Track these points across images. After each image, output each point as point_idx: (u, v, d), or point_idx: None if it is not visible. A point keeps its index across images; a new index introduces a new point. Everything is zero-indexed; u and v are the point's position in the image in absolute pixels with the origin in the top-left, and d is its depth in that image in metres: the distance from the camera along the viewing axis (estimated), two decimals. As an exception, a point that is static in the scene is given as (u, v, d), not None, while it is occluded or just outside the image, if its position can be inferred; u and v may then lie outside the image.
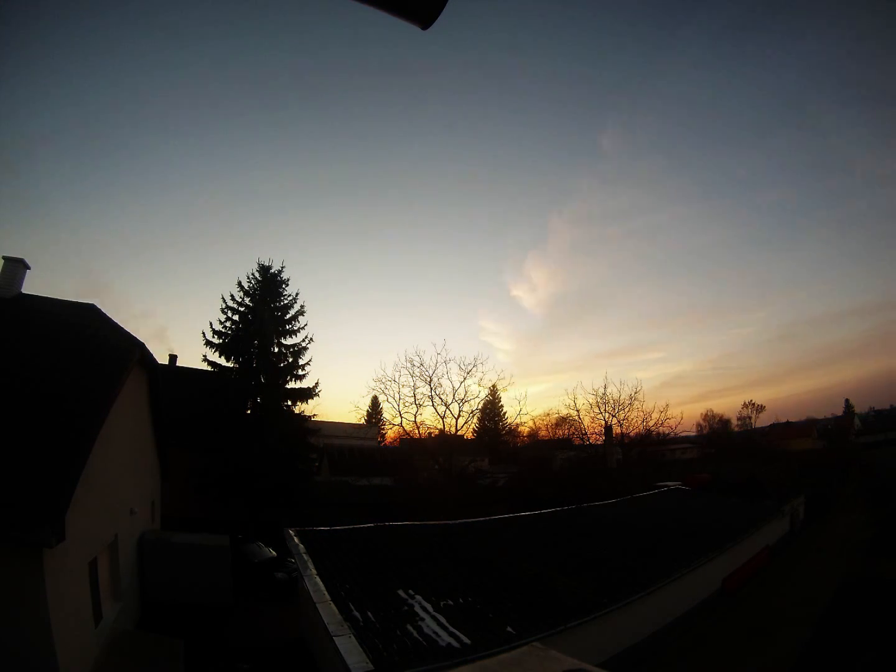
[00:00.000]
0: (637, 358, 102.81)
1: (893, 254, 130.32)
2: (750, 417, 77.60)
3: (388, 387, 30.15)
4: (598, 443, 38.11)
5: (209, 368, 24.80)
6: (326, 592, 9.02)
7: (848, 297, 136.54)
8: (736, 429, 75.87)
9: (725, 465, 40.02)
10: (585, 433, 38.11)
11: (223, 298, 25.14)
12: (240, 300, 25.25)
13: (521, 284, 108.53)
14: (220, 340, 24.70)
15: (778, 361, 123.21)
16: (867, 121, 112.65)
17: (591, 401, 37.19)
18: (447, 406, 29.73)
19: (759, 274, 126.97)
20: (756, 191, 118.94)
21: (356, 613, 8.45)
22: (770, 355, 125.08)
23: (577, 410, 37.02)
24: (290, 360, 25.47)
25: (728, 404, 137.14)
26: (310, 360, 25.87)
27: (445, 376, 46.97)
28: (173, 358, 32.29)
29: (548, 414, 43.42)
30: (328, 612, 8.24)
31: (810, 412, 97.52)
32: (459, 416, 30.00)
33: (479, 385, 30.77)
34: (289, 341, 25.72)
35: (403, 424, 30.28)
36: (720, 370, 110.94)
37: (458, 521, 15.31)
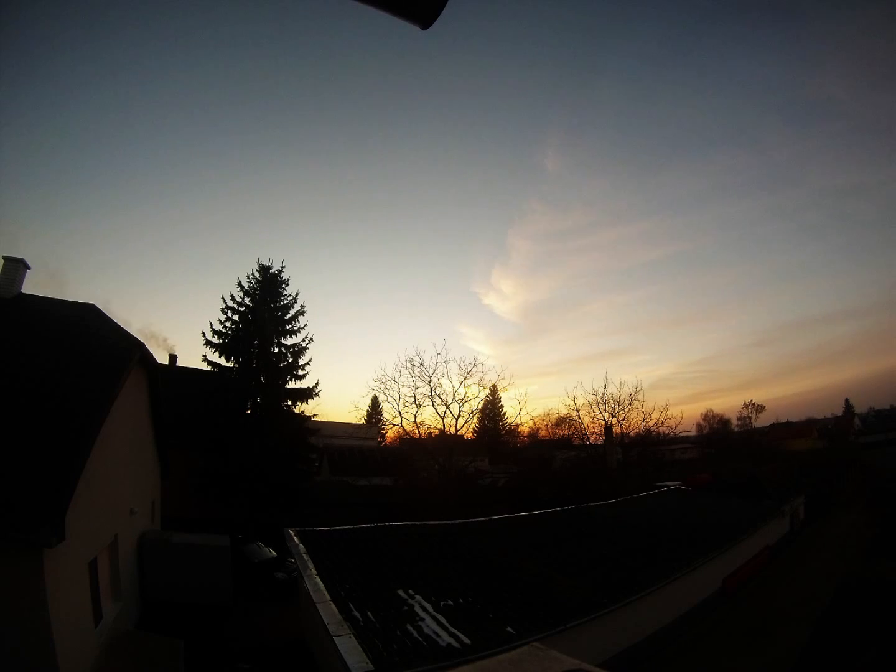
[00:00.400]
0: (618, 361, 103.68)
1: (879, 253, 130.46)
2: (750, 417, 77.73)
3: (388, 387, 30.13)
4: (598, 443, 38.09)
5: (209, 368, 24.81)
6: (326, 592, 9.02)
7: (847, 297, 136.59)
8: (736, 429, 75.98)
9: (725, 465, 40.01)
10: (585, 433, 38.11)
11: (223, 298, 25.16)
12: (240, 300, 25.25)
13: (491, 294, 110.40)
14: (220, 340, 24.70)
15: (759, 365, 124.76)
16: (808, 137, 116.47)
17: (591, 401, 37.20)
18: (447, 406, 29.74)
19: (739, 277, 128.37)
20: (713, 203, 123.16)
21: (356, 613, 8.45)
22: (750, 358, 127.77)
23: (577, 410, 37.04)
24: (290, 360, 25.47)
25: (728, 404, 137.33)
26: (310, 360, 25.89)
27: (445, 376, 46.96)
28: (173, 358, 32.32)
29: (548, 414, 43.46)
30: (328, 612, 8.24)
31: (810, 412, 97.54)
32: (459, 416, 30.00)
33: (479, 385, 30.73)
34: (289, 341, 25.74)
35: (403, 424, 30.28)
36: (705, 372, 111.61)
37: (457, 521, 15.32)
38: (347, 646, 7.11)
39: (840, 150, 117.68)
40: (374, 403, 42.50)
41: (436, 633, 8.11)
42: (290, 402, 25.35)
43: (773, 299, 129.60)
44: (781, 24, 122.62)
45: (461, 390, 29.79)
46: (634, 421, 36.07)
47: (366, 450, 39.63)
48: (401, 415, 29.82)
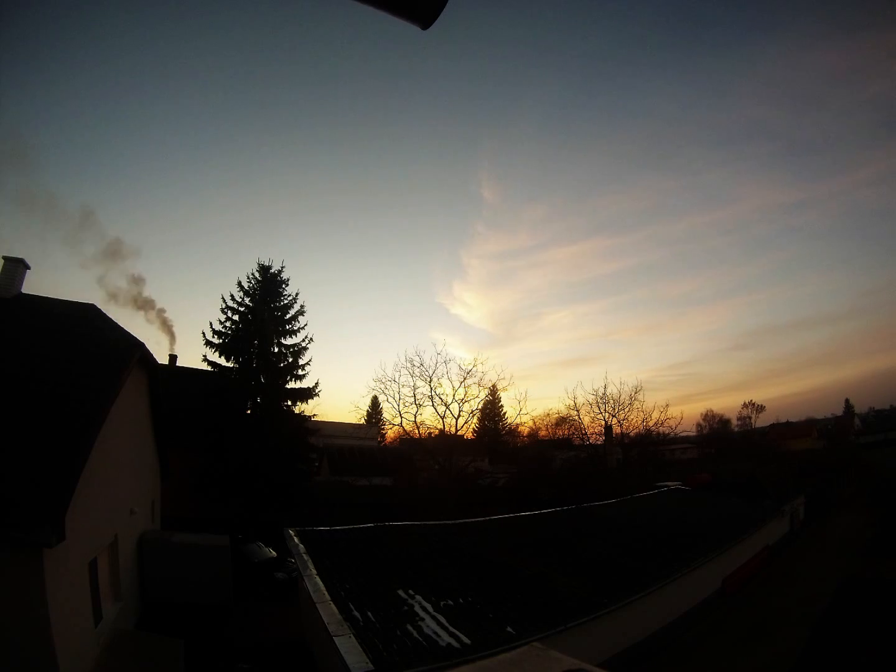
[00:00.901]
0: (592, 367, 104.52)
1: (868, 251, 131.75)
2: (750, 417, 77.84)
3: (388, 387, 30.10)
4: (598, 443, 38.09)
5: (209, 368, 24.82)
6: (326, 592, 9.02)
7: (845, 297, 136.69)
8: (736, 429, 76.04)
9: (725, 465, 40.00)
10: (585, 433, 38.09)
11: (223, 298, 25.17)
12: (240, 300, 25.26)
13: (457, 305, 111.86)
14: (221, 340, 24.71)
15: (743, 367, 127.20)
16: (740, 159, 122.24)
17: (591, 400, 37.18)
18: (447, 406, 29.73)
19: (704, 285, 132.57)
20: (655, 221, 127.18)
21: (356, 613, 8.45)
22: (732, 361, 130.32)
23: (577, 410, 37.03)
24: (290, 360, 25.49)
25: (728, 404, 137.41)
26: (310, 360, 25.91)
27: (445, 376, 46.94)
28: (173, 358, 32.34)
29: (547, 414, 43.42)
30: (328, 612, 8.24)
31: (810, 412, 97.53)
32: (459, 416, 29.99)
33: (479, 385, 30.71)
34: (289, 341, 25.75)
35: (403, 424, 30.26)
36: (684, 376, 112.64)
37: (457, 521, 15.32)
38: (347, 646, 7.11)
39: (778, 168, 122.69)
40: (374, 403, 42.51)
41: (436, 633, 8.11)
42: (290, 402, 25.36)
43: (747, 305, 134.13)
44: (702, 56, 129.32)
45: (461, 390, 29.81)
46: (634, 421, 36.06)
47: (366, 450, 39.62)
48: (401, 415, 29.83)
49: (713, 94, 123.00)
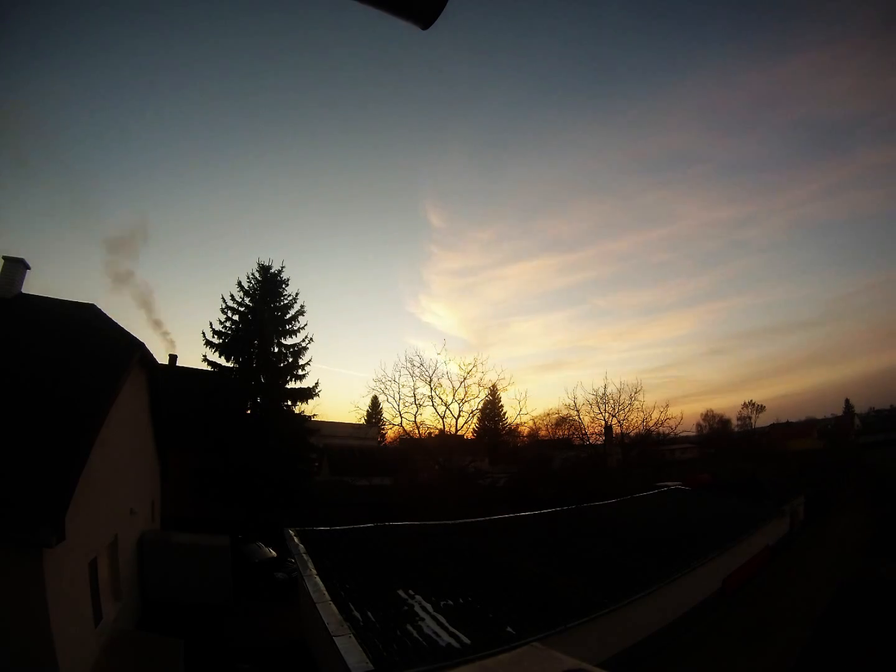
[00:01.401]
0: (568, 371, 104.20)
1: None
2: (750, 417, 77.76)
3: (388, 387, 30.07)
4: (598, 443, 38.10)
5: (209, 368, 24.82)
6: (326, 592, 9.02)
7: (845, 297, 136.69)
8: (736, 429, 76.01)
9: (725, 465, 40.02)
10: (585, 433, 38.12)
11: (223, 298, 25.19)
12: (240, 300, 25.27)
13: (426, 314, 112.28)
14: (221, 340, 24.72)
15: (719, 371, 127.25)
16: (673, 181, 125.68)
17: (591, 400, 37.19)
18: (447, 406, 29.73)
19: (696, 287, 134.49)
20: (601, 239, 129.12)
21: (356, 613, 8.45)
22: (710, 365, 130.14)
23: (577, 410, 37.04)
24: (290, 360, 25.50)
25: (728, 404, 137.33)
26: (310, 360, 25.93)
27: (445, 376, 46.82)
28: (173, 358, 32.32)
29: (548, 414, 43.41)
30: (328, 612, 8.24)
31: (810, 412, 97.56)
32: (459, 416, 29.99)
33: (479, 385, 30.70)
34: (289, 341, 25.77)
35: (403, 424, 30.26)
36: (667, 379, 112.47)
37: (457, 521, 15.32)
38: (347, 646, 7.11)
39: (714, 188, 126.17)
40: (374, 403, 42.52)
41: (436, 633, 8.11)
42: (290, 402, 25.37)
43: (723, 310, 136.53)
44: (626, 86, 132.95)
45: (461, 390, 29.80)
46: (634, 421, 36.09)
47: (366, 450, 39.60)
48: (401, 415, 29.82)
49: (640, 123, 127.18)
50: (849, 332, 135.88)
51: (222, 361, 24.68)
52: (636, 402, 35.66)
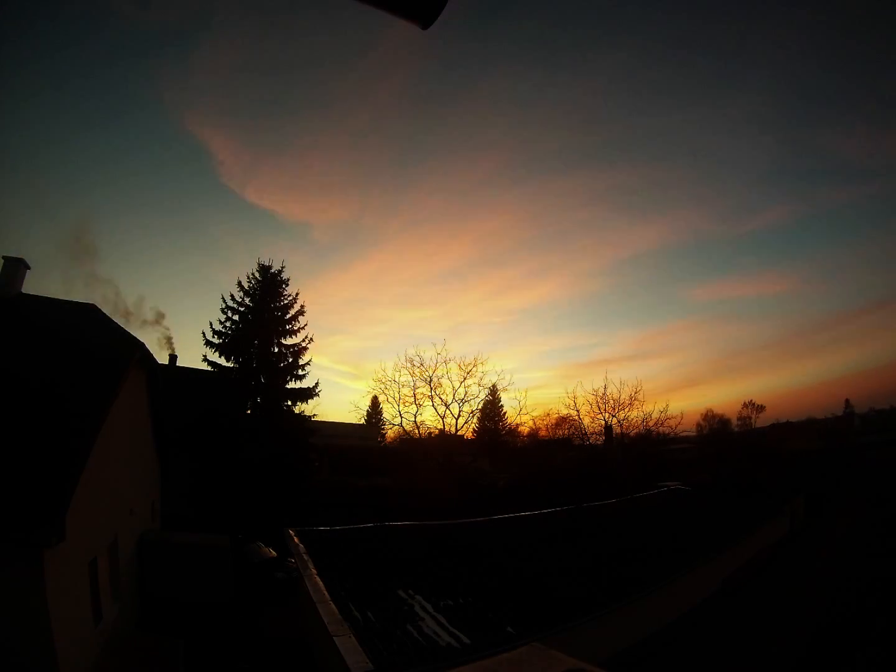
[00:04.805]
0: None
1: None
2: (750, 417, 77.65)
3: (388, 387, 30.04)
4: (598, 443, 38.07)
5: (209, 368, 24.82)
6: (326, 592, 9.01)
7: (843, 297, 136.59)
8: (736, 429, 75.94)
9: (725, 465, 40.01)
10: (585, 433, 38.06)
11: (223, 298, 25.21)
12: (240, 300, 25.28)
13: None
14: (221, 340, 24.73)
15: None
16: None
17: (591, 400, 37.14)
18: (447, 406, 29.72)
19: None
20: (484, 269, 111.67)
21: (356, 613, 8.45)
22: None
23: (577, 410, 36.99)
24: (290, 360, 25.50)
25: (728, 404, 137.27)
26: (310, 361, 25.93)
27: (445, 376, 46.83)
28: (173, 358, 32.31)
29: (548, 414, 43.38)
30: (328, 612, 8.23)
31: (810, 412, 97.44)
32: (459, 416, 29.99)
33: (479, 385, 30.67)
34: (289, 341, 25.78)
35: (403, 424, 30.27)
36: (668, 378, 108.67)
37: (457, 522, 15.32)
38: (347, 646, 7.11)
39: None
40: (374, 403, 42.51)
41: (436, 633, 8.11)
42: (290, 403, 25.37)
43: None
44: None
45: (461, 390, 29.80)
46: (635, 421, 36.02)
47: (366, 450, 39.61)
48: (401, 415, 29.83)
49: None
50: (850, 332, 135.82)
51: (222, 361, 24.69)
52: (636, 402, 35.64)
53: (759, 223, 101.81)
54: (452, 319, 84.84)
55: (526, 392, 45.21)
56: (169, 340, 35.48)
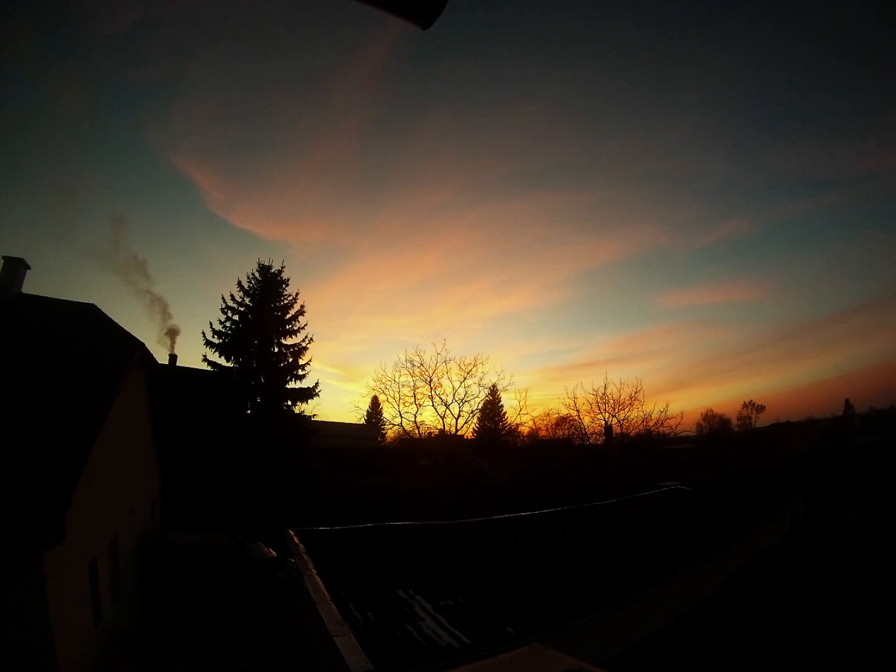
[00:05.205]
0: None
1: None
2: (750, 417, 77.73)
3: (388, 387, 30.09)
4: (598, 443, 38.08)
5: (209, 368, 24.83)
6: (326, 592, 9.01)
7: (845, 295, 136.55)
8: (736, 429, 75.96)
9: (725, 465, 40.02)
10: (585, 433, 38.10)
11: (223, 298, 25.22)
12: (240, 300, 25.29)
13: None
14: (221, 340, 24.74)
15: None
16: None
17: (591, 400, 37.17)
18: (447, 406, 29.77)
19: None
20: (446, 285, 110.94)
21: (356, 613, 8.45)
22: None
23: (577, 410, 37.01)
24: (290, 360, 25.51)
25: (728, 404, 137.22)
26: (310, 361, 25.94)
27: (445, 376, 46.83)
28: (173, 358, 32.33)
29: (548, 414, 43.39)
30: (328, 612, 8.23)
31: (810, 412, 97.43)
32: (459, 416, 30.04)
33: (479, 385, 30.70)
34: (289, 341, 25.79)
35: (403, 424, 30.32)
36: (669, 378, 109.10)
37: (457, 522, 15.32)
38: (347, 646, 7.10)
39: None
40: (374, 403, 42.55)
41: (436, 633, 8.11)
42: (290, 403, 25.39)
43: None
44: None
45: (461, 390, 29.81)
46: (634, 421, 36.07)
47: (366, 450, 39.61)
48: (401, 415, 29.89)
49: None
50: (849, 332, 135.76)
51: (222, 361, 24.70)
52: (636, 402, 35.66)
53: (718, 236, 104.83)
54: (432, 326, 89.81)
55: (526, 392, 45.29)
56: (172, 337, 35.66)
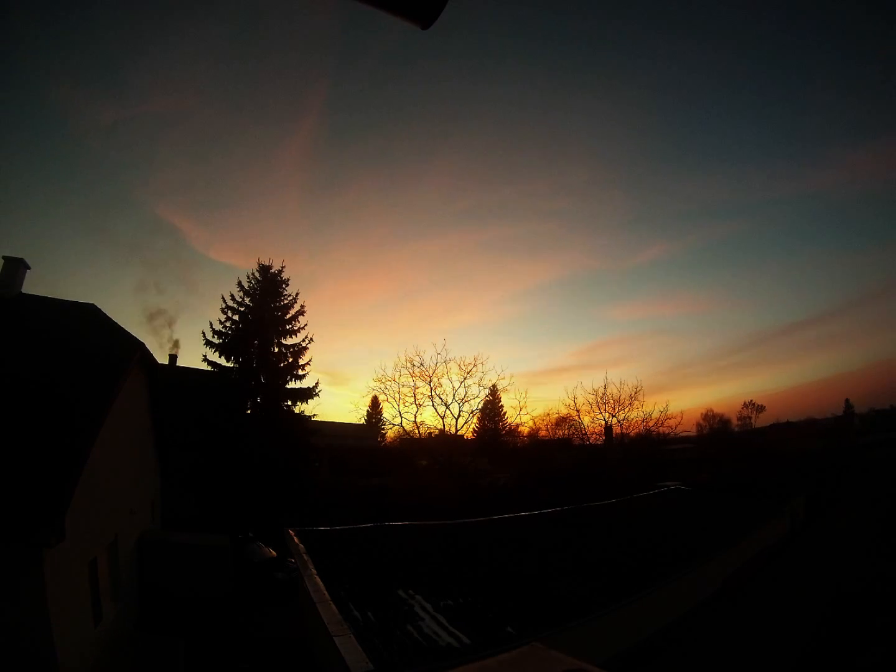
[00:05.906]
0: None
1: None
2: (750, 417, 77.81)
3: (388, 387, 30.06)
4: (599, 443, 38.09)
5: (209, 368, 24.82)
6: (326, 592, 9.01)
7: (845, 295, 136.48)
8: (736, 429, 75.97)
9: (725, 465, 40.02)
10: (585, 433, 38.11)
11: (223, 298, 25.19)
12: (240, 300, 25.27)
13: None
14: (221, 340, 24.72)
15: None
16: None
17: (591, 400, 37.17)
18: (447, 406, 29.75)
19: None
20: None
21: (356, 613, 8.45)
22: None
23: (577, 410, 37.02)
24: (290, 360, 25.49)
25: (728, 404, 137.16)
26: (310, 361, 25.92)
27: (445, 376, 46.80)
28: (173, 358, 32.34)
29: (548, 414, 43.39)
30: (328, 612, 8.23)
31: (810, 412, 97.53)
32: (459, 416, 30.01)
33: (480, 385, 30.69)
34: (289, 341, 25.76)
35: (403, 424, 30.29)
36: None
37: (457, 522, 15.32)
38: (347, 646, 7.10)
39: None
40: (374, 403, 42.49)
41: (436, 633, 8.11)
42: (290, 403, 25.37)
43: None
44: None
45: (461, 390, 29.81)
46: (635, 421, 36.08)
47: (366, 450, 39.61)
48: (401, 415, 29.86)
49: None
50: (850, 332, 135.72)
51: (222, 361, 24.68)
52: (636, 402, 35.66)
53: (644, 258, 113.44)
54: (398, 337, 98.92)
55: (526, 392, 45.24)
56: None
